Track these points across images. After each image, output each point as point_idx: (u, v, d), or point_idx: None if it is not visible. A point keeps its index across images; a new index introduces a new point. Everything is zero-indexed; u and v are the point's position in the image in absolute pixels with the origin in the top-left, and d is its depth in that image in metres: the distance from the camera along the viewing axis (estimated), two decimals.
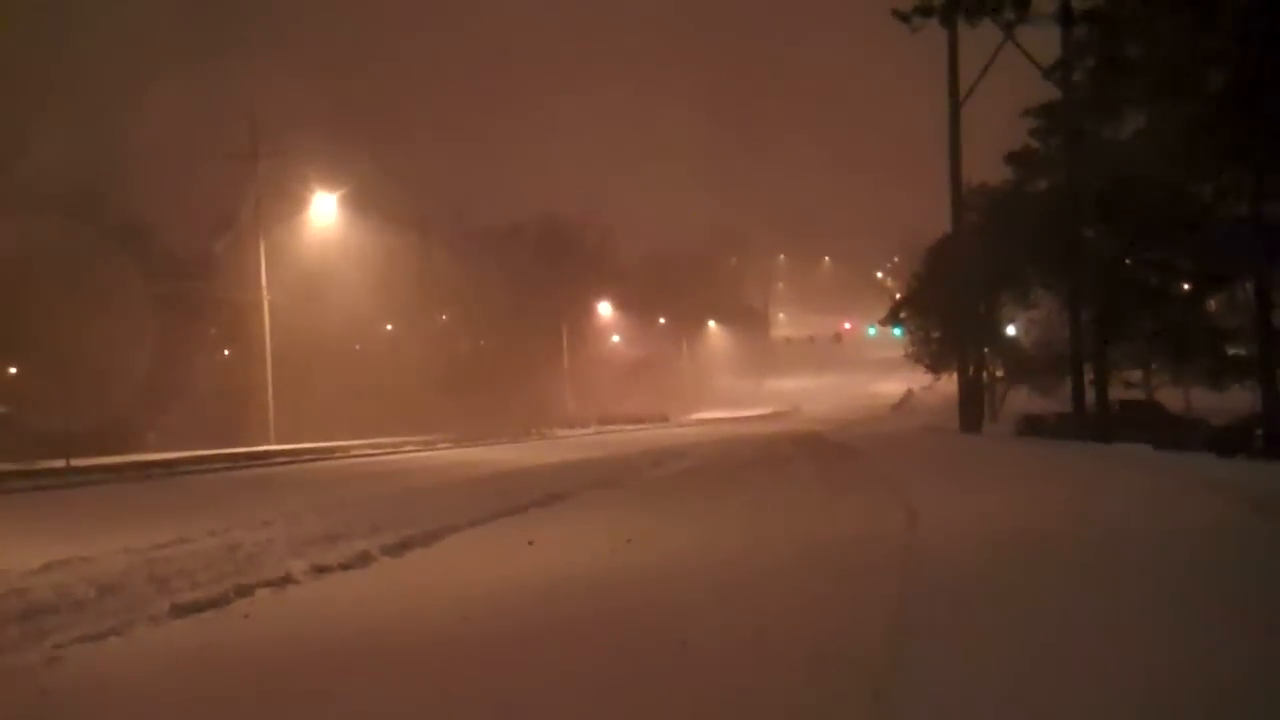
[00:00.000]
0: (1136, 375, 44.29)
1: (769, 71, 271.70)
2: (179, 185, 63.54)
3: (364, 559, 10.77)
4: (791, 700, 5.37)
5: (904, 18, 33.65)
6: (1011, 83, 35.44)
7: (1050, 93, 33.08)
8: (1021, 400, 54.28)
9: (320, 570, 10.11)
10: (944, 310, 45.43)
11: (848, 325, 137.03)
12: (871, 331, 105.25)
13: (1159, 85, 26.49)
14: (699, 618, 7.30)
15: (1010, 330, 52.34)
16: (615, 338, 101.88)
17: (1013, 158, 37.02)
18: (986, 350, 45.38)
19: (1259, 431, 26.43)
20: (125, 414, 45.77)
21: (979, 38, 35.51)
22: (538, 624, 7.54)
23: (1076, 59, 30.95)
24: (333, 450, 38.61)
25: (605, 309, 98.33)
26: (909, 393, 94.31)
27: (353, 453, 38.31)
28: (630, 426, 69.02)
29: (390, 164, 60.08)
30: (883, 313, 64.12)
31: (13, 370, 50.63)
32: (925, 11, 33.59)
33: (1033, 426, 39.27)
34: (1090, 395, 33.50)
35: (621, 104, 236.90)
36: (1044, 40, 33.08)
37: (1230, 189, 27.19)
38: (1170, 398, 44.63)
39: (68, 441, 33.47)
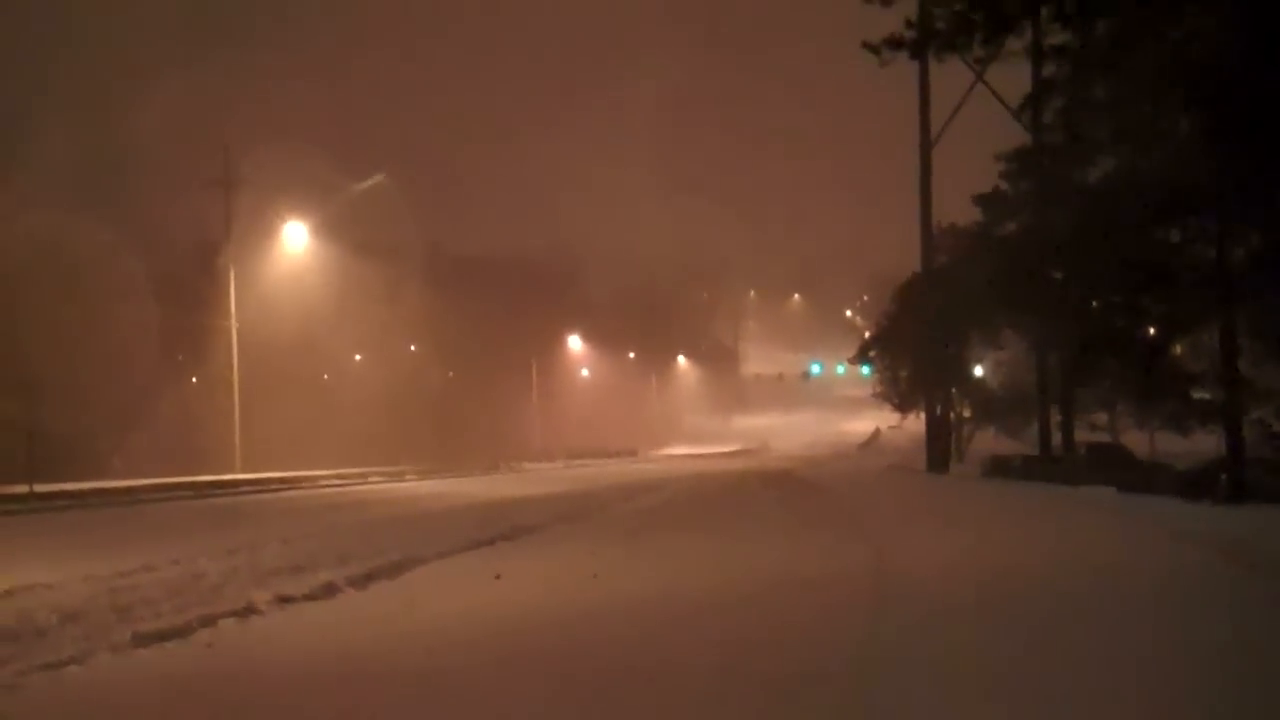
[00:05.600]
0: (1102, 418, 44.52)
1: (743, 110, 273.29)
2: (155, 207, 62.91)
3: (329, 590, 10.68)
4: None
5: (874, 50, 33.68)
6: (986, 125, 35.82)
7: (1024, 136, 33.46)
8: (988, 441, 54.50)
9: (284, 601, 10.01)
10: (912, 350, 45.62)
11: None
12: (840, 370, 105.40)
13: (1126, 128, 26.75)
14: (664, 654, 7.30)
15: (978, 371, 52.59)
16: (584, 371, 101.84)
17: (982, 200, 37.23)
18: (954, 390, 45.57)
19: (1223, 476, 26.57)
20: (90, 439, 45.36)
21: (954, 77, 35.90)
22: (503, 658, 7.51)
23: (1046, 97, 31.24)
24: (299, 480, 38.39)
25: (575, 343, 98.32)
26: (877, 431, 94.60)
27: (319, 483, 38.10)
28: (598, 461, 69.03)
29: (363, 193, 59.79)
30: (852, 351, 64.31)
31: None
32: (895, 45, 33.69)
33: (999, 468, 39.46)
34: (1056, 437, 33.69)
35: (595, 140, 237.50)
36: (1019, 84, 33.51)
37: (1196, 234, 27.43)
38: (1135, 441, 44.85)
39: (31, 466, 33.08)
